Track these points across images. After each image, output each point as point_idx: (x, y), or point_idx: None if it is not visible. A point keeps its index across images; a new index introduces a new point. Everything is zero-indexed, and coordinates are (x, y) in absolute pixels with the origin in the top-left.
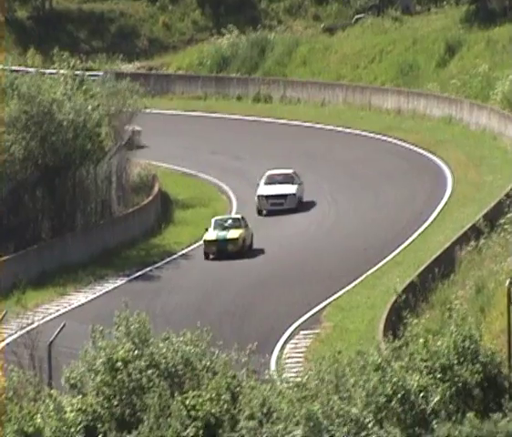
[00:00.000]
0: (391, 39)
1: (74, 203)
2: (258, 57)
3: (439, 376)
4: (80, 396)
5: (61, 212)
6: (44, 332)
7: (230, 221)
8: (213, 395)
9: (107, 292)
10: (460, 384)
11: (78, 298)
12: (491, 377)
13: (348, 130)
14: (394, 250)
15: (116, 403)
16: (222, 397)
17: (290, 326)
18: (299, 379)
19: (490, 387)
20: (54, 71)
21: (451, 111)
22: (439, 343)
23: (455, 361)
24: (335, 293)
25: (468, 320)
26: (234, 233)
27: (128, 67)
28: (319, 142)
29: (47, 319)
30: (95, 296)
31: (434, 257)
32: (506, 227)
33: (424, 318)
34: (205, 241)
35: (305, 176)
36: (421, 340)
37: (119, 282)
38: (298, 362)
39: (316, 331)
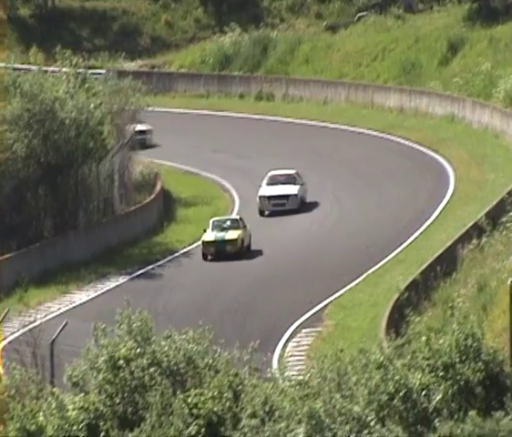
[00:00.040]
0: (393, 37)
1: (76, 201)
2: (260, 56)
3: (441, 374)
4: (82, 394)
5: (63, 210)
6: (46, 330)
7: (228, 222)
8: (215, 393)
9: (109, 290)
10: (462, 382)
11: (80, 296)
12: (493, 375)
13: (350, 128)
14: (396, 248)
15: (118, 401)
16: (224, 395)
17: (292, 324)
18: (301, 377)
19: (492, 385)
20: (56, 69)
21: (453, 109)
22: (441, 341)
23: (458, 360)
24: (337, 291)
25: (470, 318)
26: (233, 234)
27: (130, 65)
28: (321, 140)
29: (50, 317)
30: (97, 294)
31: (436, 255)
32: (508, 225)
33: (427, 316)
34: (203, 242)
35: (308, 174)
36: (423, 339)
37: (121, 280)
38: (300, 360)
39: (318, 329)
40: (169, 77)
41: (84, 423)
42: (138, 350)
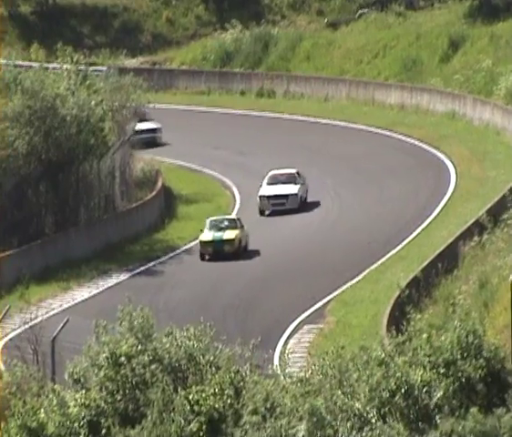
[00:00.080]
0: (394, 34)
1: (77, 198)
2: (261, 52)
3: (442, 371)
4: (83, 391)
5: (64, 207)
6: (47, 327)
7: (225, 222)
8: (217, 390)
9: (110, 287)
10: (463, 379)
11: (82, 293)
12: (494, 372)
13: (351, 125)
14: (397, 245)
15: (119, 398)
16: (226, 392)
17: (293, 321)
18: (302, 374)
19: (494, 382)
20: (57, 66)
21: (454, 106)
22: (442, 338)
23: (459, 356)
24: (339, 288)
25: (472, 315)
26: (230, 234)
27: (131, 62)
28: (322, 137)
29: (51, 314)
30: (98, 291)
31: (437, 252)
32: (509, 222)
33: (428, 313)
34: (201, 242)
35: (308, 171)
36: (424, 336)
37: (123, 277)
38: (301, 357)
39: (320, 326)
40: (171, 74)
41: (85, 420)
42: (140, 346)
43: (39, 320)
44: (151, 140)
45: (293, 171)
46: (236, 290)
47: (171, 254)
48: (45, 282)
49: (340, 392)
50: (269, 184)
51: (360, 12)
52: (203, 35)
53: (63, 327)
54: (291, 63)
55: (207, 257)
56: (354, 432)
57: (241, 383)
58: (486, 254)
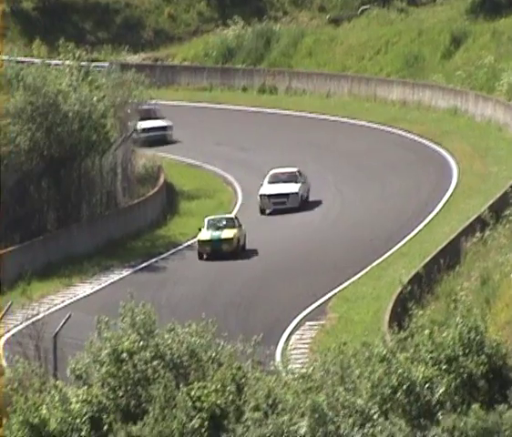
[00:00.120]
0: (396, 30)
1: (79, 194)
2: (263, 49)
3: (444, 367)
4: (85, 387)
5: (66, 203)
6: (49, 323)
7: (223, 221)
8: (218, 386)
9: (112, 283)
10: (465, 376)
11: (84, 289)
12: (496, 368)
13: (353, 121)
14: (399, 241)
15: (121, 394)
16: (228, 388)
17: (295, 317)
18: (304, 370)
19: (495, 378)
20: (59, 62)
21: (456, 102)
22: (444, 335)
23: (461, 353)
24: (341, 284)
25: (474, 311)
26: (229, 233)
27: (133, 58)
28: (324, 133)
29: (53, 310)
30: (100, 287)
31: (439, 248)
32: (511, 218)
33: (430, 309)
34: (199, 241)
35: (310, 167)
36: (426, 332)
37: (125, 273)
38: (303, 354)
39: (321, 323)
40: (172, 70)
41: (87, 416)
42: (142, 343)
43: (41, 315)
44: (161, 138)
45: (295, 170)
46: (238, 287)
47: (173, 250)
48: (47, 278)
49: (342, 389)
50: (270, 183)
51: (362, 8)
52: (205, 32)
53: (65, 323)
54: (293, 59)
55: (205, 256)
56: (356, 429)
57: (243, 380)
58: (488, 250)
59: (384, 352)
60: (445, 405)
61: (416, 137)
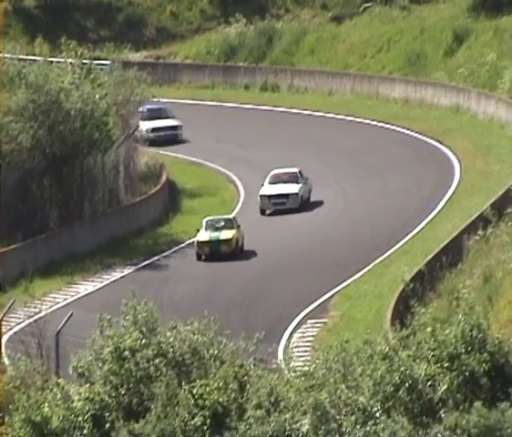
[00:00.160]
0: (398, 28)
1: (81, 192)
2: (265, 46)
3: (447, 365)
4: (88, 385)
5: (69, 201)
6: (51, 321)
7: (221, 222)
8: (221, 384)
9: (114, 281)
10: (468, 373)
11: (86, 287)
12: (499, 366)
13: (355, 119)
14: (401, 239)
15: (123, 392)
16: (230, 386)
17: (297, 315)
18: (306, 368)
19: (498, 376)
20: (61, 60)
21: (458, 100)
22: (447, 332)
23: (463, 350)
24: (343, 282)
25: (476, 309)
26: (227, 234)
27: (135, 56)
28: (326, 131)
29: (55, 308)
30: (102, 285)
31: (441, 246)
32: None
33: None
34: (198, 242)
35: (312, 164)
36: (428, 329)
37: (127, 271)
38: (305, 351)
39: (324, 320)
40: (175, 68)
41: (89, 414)
42: (144, 340)
43: (43, 313)
44: (172, 137)
45: (296, 170)
46: (240, 285)
47: (175, 248)
48: (49, 276)
49: (344, 386)
50: (270, 183)
51: (364, 6)
52: (207, 29)
53: (67, 321)
54: (296, 57)
55: (203, 257)
56: (358, 427)
57: (245, 377)
58: (490, 248)
59: (387, 350)
60: (447, 403)
61: (418, 135)
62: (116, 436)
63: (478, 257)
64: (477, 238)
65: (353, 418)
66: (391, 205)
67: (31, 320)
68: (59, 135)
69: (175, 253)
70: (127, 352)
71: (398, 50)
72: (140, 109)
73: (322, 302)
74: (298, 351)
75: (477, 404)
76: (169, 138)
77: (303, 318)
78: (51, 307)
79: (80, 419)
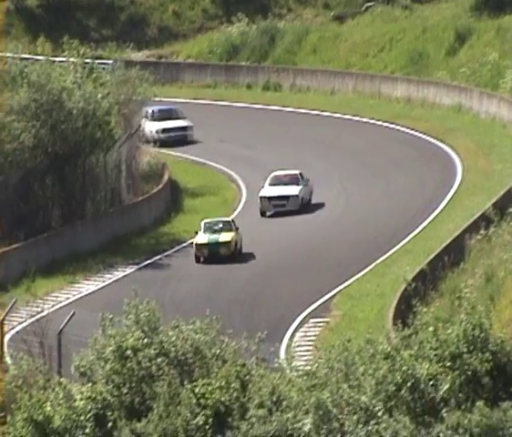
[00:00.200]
0: (401, 27)
1: (84, 191)
2: (268, 46)
3: (449, 364)
4: (90, 384)
5: (71, 200)
6: (53, 320)
7: (220, 224)
8: (223, 383)
9: (116, 280)
10: (470, 373)
11: (88, 286)
12: (501, 365)
13: (358, 118)
14: (403, 238)
15: (125, 391)
16: (232, 385)
17: (299, 314)
18: (308, 367)
19: (500, 376)
20: (64, 59)
21: (461, 100)
22: (449, 332)
23: (465, 350)
24: (345, 281)
25: (478, 308)
26: (226, 236)
27: (137, 56)
28: (328, 130)
29: (57, 307)
30: (104, 284)
31: (443, 245)
32: None
33: (434, 306)
34: (196, 245)
35: (314, 163)
36: (430, 329)
37: (129, 270)
38: (307, 351)
39: (326, 320)
40: (177, 67)
41: (91, 413)
42: (146, 340)
43: (45, 313)
44: (182, 138)
45: (296, 172)
46: (242, 284)
47: (177, 247)
48: (51, 275)
49: (346, 386)
50: (270, 185)
51: (366, 5)
52: (209, 29)
53: (69, 320)
54: (298, 56)
55: (202, 259)
56: (360, 426)
57: (248, 377)
58: (492, 247)
59: (389, 349)
60: (449, 402)
61: (421, 134)
62: (118, 435)
63: (480, 256)
64: (479, 237)
65: (355, 417)
66: (393, 205)
67: (33, 319)
68: (61, 134)
69: (177, 252)
70: (129, 351)
71: (400, 49)
72: (150, 110)
73: (325, 302)
74: (300, 351)
75: (479, 404)
76: (180, 139)
77: (305, 317)
78: (53, 306)
79: (82, 418)
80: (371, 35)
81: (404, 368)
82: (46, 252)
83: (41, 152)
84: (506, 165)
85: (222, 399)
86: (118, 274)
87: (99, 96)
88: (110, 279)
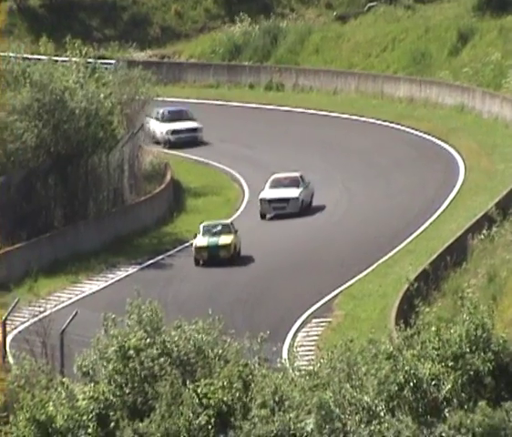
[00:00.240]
0: (403, 27)
1: (86, 191)
2: (270, 45)
3: (451, 364)
4: (92, 384)
5: (73, 200)
6: (56, 320)
7: (219, 227)
8: (225, 383)
9: (119, 280)
10: (472, 373)
11: (90, 286)
12: (503, 365)
13: (360, 118)
14: (406, 239)
15: (128, 391)
16: (234, 385)
17: (301, 314)
18: (311, 367)
19: (502, 375)
20: (66, 59)
21: (463, 99)
22: (451, 332)
23: (467, 350)
24: (347, 281)
25: (480, 308)
26: (226, 239)
27: (140, 55)
28: (331, 130)
29: (60, 307)
30: (107, 284)
31: (446, 245)
32: None
33: (436, 306)
34: (195, 248)
35: (317, 164)
36: (433, 329)
37: (131, 270)
38: (310, 351)
39: (328, 320)
40: (179, 67)
41: (94, 413)
42: (148, 340)
43: (48, 312)
44: (192, 140)
45: (297, 175)
46: (244, 284)
47: (180, 247)
48: (53, 275)
49: (348, 386)
50: (271, 187)
51: (369, 5)
52: (212, 29)
53: (72, 320)
54: (300, 56)
55: (201, 262)
56: (363, 426)
57: (250, 377)
58: (494, 247)
59: (391, 349)
60: (451, 402)
61: (423, 134)
62: (120, 435)
63: (483, 256)
64: (482, 237)
65: (357, 417)
66: (396, 205)
67: (36, 319)
68: (64, 134)
69: (179, 252)
70: (131, 351)
71: (403, 49)
72: (161, 111)
73: (327, 302)
74: (302, 351)
75: (482, 403)
76: (189, 141)
77: (308, 317)
78: (56, 306)
79: (85, 418)
80: (373, 35)
81: (407, 368)
82: (49, 252)
83: (43, 152)
84: (508, 165)
85: (225, 399)
86: (121, 274)
87: (102, 95)
88: (113, 278)
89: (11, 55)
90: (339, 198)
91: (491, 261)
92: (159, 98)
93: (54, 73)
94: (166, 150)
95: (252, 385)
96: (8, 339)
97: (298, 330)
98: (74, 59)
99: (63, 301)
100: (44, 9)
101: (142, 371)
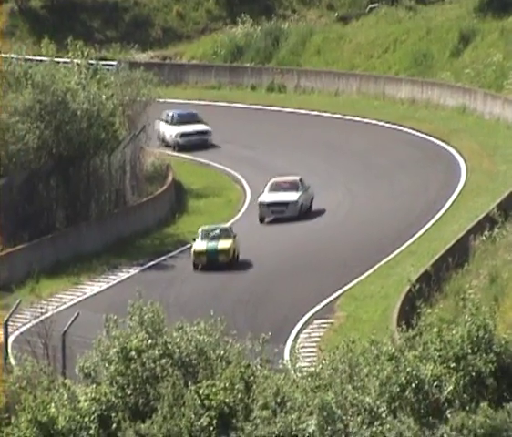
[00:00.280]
0: (405, 29)
1: (88, 192)
2: (272, 47)
3: (453, 365)
4: (94, 385)
5: (75, 201)
6: (58, 322)
7: (218, 231)
8: (227, 385)
9: (120, 282)
10: (474, 374)
11: (92, 287)
12: (505, 366)
13: (362, 120)
14: (408, 240)
15: (129, 393)
16: (236, 386)
17: (303, 315)
18: (312, 368)
19: (504, 377)
20: (68, 60)
21: (465, 101)
22: (453, 333)
23: (469, 351)
24: (349, 283)
25: (482, 309)
26: (225, 243)
27: (141, 57)
28: (333, 131)
29: (61, 308)
30: (109, 285)
31: (448, 246)
32: None
33: (438, 307)
34: (194, 252)
35: (319, 165)
36: (435, 330)
37: (133, 272)
38: (312, 352)
39: (330, 321)
40: (181, 69)
41: (95, 415)
42: (150, 341)
43: (50, 314)
44: (201, 143)
45: (296, 178)
46: (246, 286)
47: (182, 248)
48: (55, 276)
49: (350, 387)
50: (270, 191)
51: (370, 6)
52: (214, 30)
53: (73, 321)
54: (302, 57)
55: (200, 267)
56: (365, 427)
57: (252, 378)
58: (496, 248)
59: (393, 351)
60: (453, 403)
61: (425, 136)
62: (122, 436)
63: (484, 257)
64: (484, 238)
65: (359, 418)
66: (398, 206)
67: (37, 320)
68: (66, 135)
69: (181, 253)
70: (133, 353)
71: (404, 50)
72: (171, 114)
73: (329, 303)
74: (304, 352)
75: (484, 405)
76: (199, 143)
77: (310, 318)
78: (57, 307)
79: (86, 419)
80: (375, 36)
81: (409, 369)
82: (51, 253)
83: (45, 153)
84: (510, 166)
85: (227, 400)
86: (123, 275)
87: (104, 97)
88: (114, 280)
89: (13, 56)
90: (341, 200)
91: (493, 262)
92: (161, 100)
93: (56, 74)
94: (176, 153)
95: (254, 386)
96: (10, 340)
97: (300, 332)
98: (76, 61)
99: (65, 303)
100: (45, 10)
101: (144, 373)
